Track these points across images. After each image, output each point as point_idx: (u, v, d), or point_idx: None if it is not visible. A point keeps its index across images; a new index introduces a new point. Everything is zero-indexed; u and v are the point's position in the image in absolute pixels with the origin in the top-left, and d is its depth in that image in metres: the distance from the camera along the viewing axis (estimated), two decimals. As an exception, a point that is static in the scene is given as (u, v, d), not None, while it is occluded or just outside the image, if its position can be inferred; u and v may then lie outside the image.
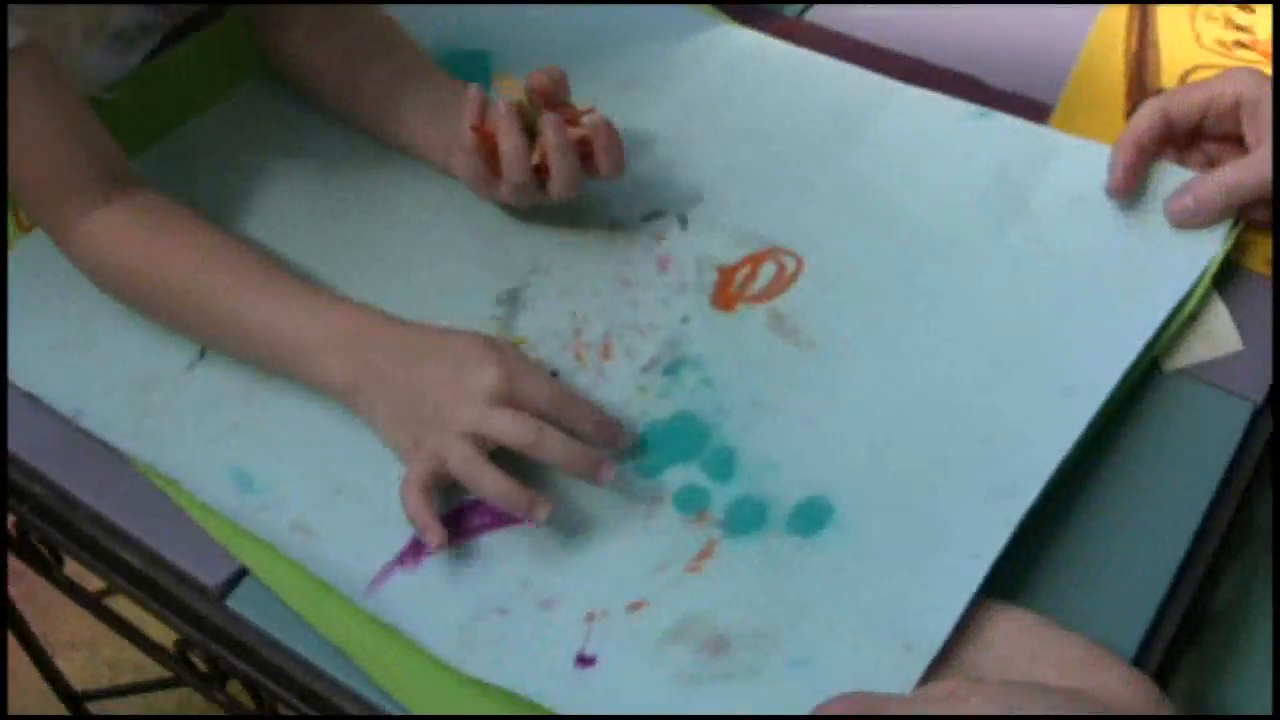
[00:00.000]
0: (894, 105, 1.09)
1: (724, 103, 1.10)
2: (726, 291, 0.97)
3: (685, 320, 0.95)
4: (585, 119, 0.96)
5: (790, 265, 0.98)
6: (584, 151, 0.96)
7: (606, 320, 0.96)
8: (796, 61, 1.13)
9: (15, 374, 0.96)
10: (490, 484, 0.81)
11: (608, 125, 0.96)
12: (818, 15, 1.20)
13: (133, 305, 0.96)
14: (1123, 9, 1.17)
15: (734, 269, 0.98)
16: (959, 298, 0.95)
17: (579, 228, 1.02)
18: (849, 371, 0.92)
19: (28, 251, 1.04)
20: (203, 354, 0.96)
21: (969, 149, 1.05)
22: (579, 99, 0.98)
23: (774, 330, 0.94)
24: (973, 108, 1.08)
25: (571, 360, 0.93)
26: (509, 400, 0.84)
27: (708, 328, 0.95)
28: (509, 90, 0.97)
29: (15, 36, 0.89)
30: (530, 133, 0.95)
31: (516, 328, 0.96)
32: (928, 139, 1.06)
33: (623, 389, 0.92)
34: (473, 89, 0.97)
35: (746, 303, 0.96)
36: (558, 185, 0.96)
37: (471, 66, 1.11)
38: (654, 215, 1.02)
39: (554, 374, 0.92)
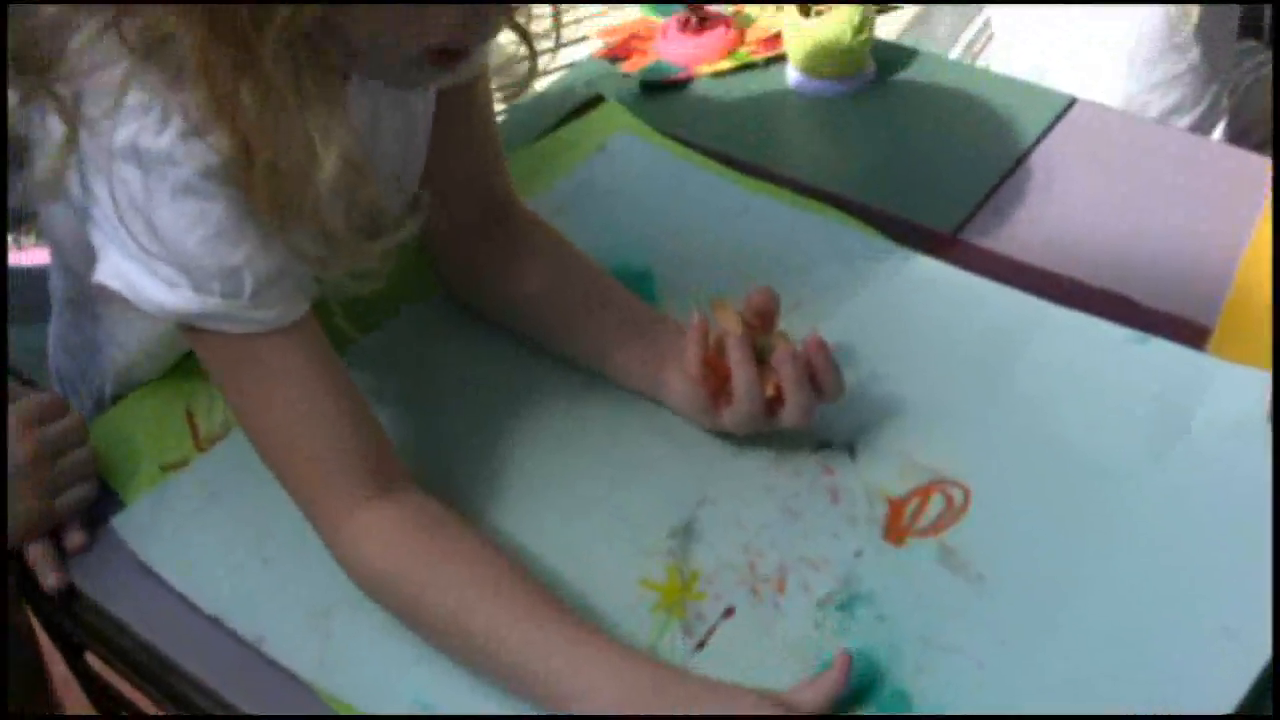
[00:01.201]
0: (1052, 329, 1.10)
1: (885, 326, 1.12)
2: (897, 525, 0.98)
3: (858, 554, 0.96)
4: (806, 344, 0.99)
5: (958, 497, 0.99)
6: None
7: (780, 553, 0.97)
8: (954, 283, 1.15)
9: (198, 597, 0.99)
10: None
11: (827, 350, 0.99)
12: (972, 233, 1.22)
13: (399, 615, 0.93)
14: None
15: (903, 501, 0.99)
16: (1124, 529, 0.96)
17: (747, 459, 1.04)
18: (1018, 608, 0.92)
19: (205, 472, 1.07)
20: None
21: (1128, 375, 1.06)
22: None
23: (944, 564, 0.95)
24: (1130, 333, 1.09)
25: (748, 595, 0.95)
26: None
27: (879, 562, 0.96)
28: (726, 318, 1.00)
29: (297, 309, 0.93)
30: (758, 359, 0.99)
31: (691, 561, 0.97)
32: (1087, 365, 1.07)
33: (800, 624, 0.93)
34: (697, 319, 1.01)
35: (916, 536, 0.97)
36: (792, 415, 0.99)
37: (636, 286, 1.13)
38: (822, 446, 1.04)
39: (731, 609, 0.94)
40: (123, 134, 0.84)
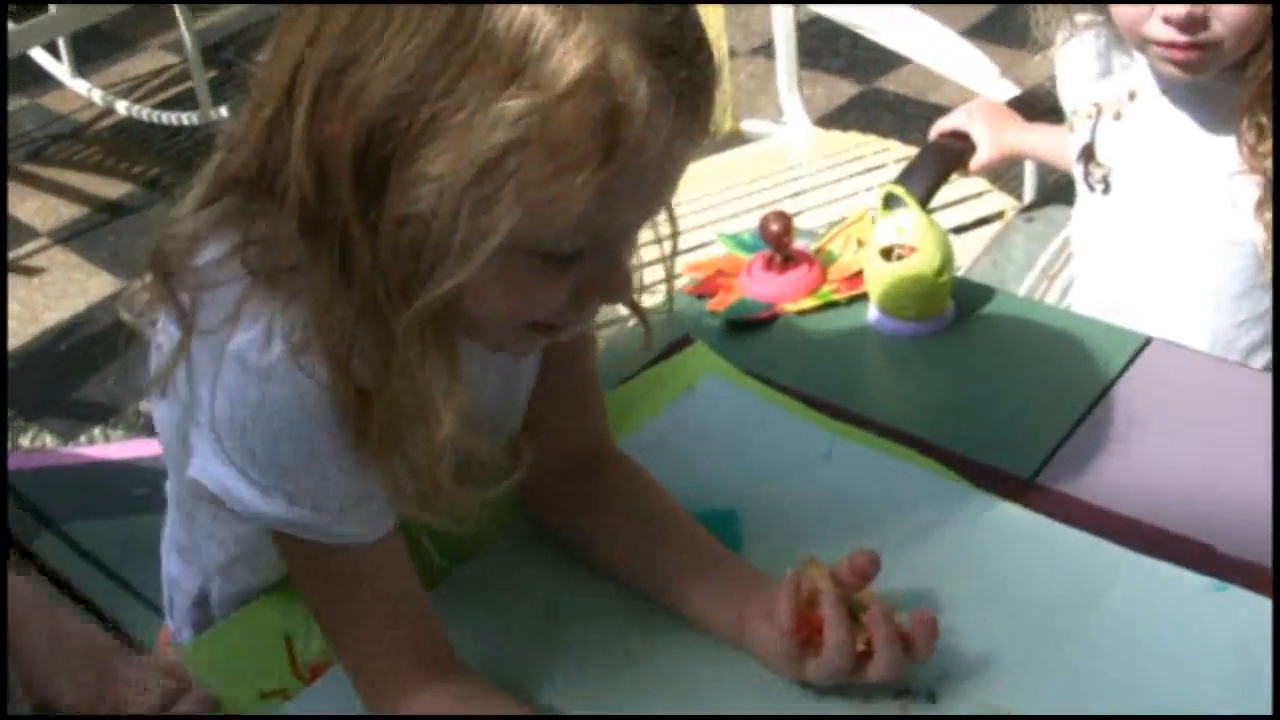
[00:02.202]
0: (1130, 576, 1.13)
1: (965, 572, 1.15)
2: (975, 774, 1.00)
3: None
4: (914, 618, 1.03)
5: (1035, 746, 1.01)
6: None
7: (859, 802, 0.99)
8: (1033, 529, 1.18)
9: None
10: None
11: (934, 624, 1.03)
12: (1049, 477, 1.25)
13: None
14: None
15: (982, 751, 1.02)
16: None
17: (829, 704, 1.06)
18: None
19: (309, 707, 1.10)
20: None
21: (1207, 624, 1.08)
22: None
23: (1023, 816, 0.97)
24: (1209, 580, 1.11)
25: (829, 844, 0.97)
26: None
27: (958, 813, 0.98)
28: (818, 575, 1.05)
29: (381, 528, 0.99)
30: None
31: (774, 809, 1.00)
32: (1166, 613, 1.09)
33: None
34: (790, 576, 1.05)
35: (993, 782, 0.99)
36: (880, 670, 1.03)
37: (722, 529, 1.17)
38: (904, 692, 1.06)
39: None
40: (233, 344, 0.91)
